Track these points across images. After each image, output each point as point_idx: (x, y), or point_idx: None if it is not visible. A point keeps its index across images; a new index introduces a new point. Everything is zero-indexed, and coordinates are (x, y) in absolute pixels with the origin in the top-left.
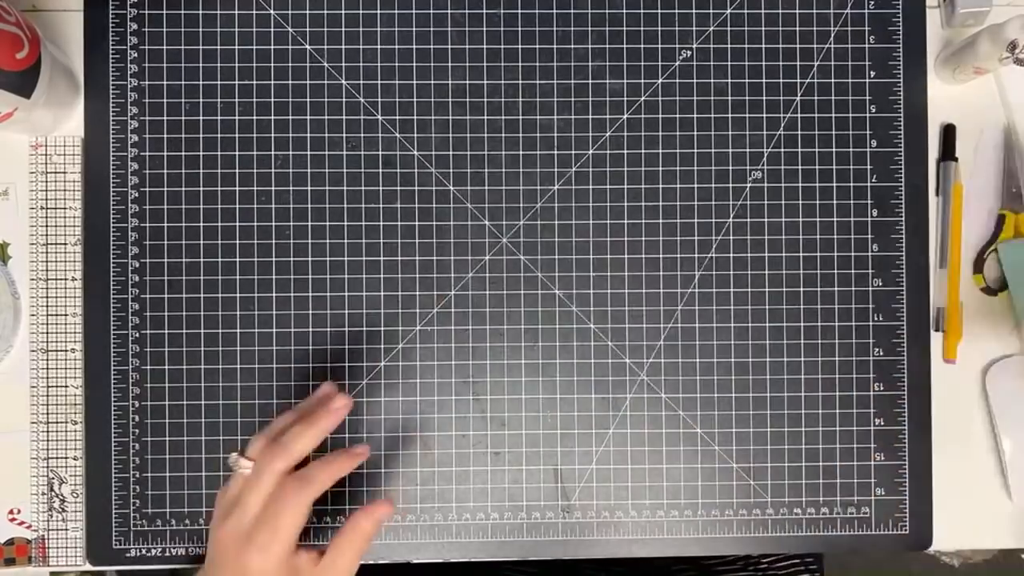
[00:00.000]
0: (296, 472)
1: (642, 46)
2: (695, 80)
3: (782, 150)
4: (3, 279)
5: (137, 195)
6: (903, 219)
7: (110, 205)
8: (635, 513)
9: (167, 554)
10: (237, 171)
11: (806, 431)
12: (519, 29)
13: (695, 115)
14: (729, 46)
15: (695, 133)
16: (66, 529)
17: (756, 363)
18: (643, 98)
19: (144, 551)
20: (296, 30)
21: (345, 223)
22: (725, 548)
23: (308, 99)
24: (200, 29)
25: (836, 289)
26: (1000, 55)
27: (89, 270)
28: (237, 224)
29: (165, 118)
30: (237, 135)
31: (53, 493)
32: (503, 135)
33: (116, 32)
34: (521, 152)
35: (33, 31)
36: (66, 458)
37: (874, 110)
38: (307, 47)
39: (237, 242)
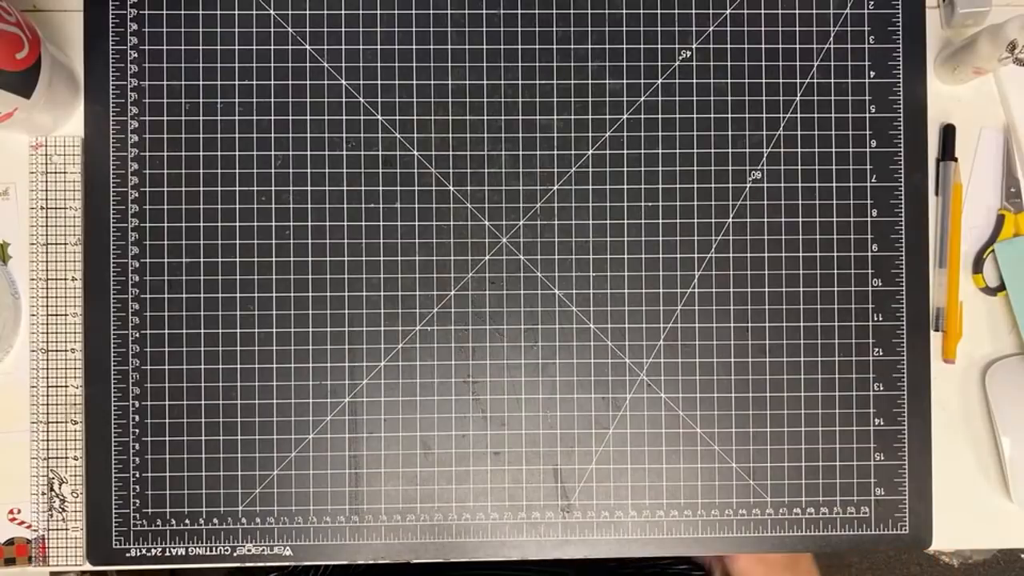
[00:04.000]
0: None
1: (642, 46)
2: (695, 80)
3: (782, 150)
4: (3, 279)
5: (137, 195)
6: (903, 219)
7: (110, 205)
8: (635, 513)
9: (167, 554)
10: (237, 171)
11: (806, 431)
12: (519, 29)
13: (695, 115)
14: (729, 46)
15: (695, 133)
16: (66, 529)
17: (756, 363)
18: (643, 98)
19: (144, 551)
20: (296, 30)
21: (345, 223)
22: (725, 548)
23: (308, 99)
24: (200, 29)
25: (836, 289)
26: (1000, 55)
27: (89, 270)
28: (237, 224)
29: (165, 118)
30: (237, 135)
31: (53, 493)
32: (503, 135)
33: (116, 32)
34: (521, 152)
35: (33, 31)
36: (66, 458)
37: (874, 110)
38: (307, 47)
39: (237, 242)
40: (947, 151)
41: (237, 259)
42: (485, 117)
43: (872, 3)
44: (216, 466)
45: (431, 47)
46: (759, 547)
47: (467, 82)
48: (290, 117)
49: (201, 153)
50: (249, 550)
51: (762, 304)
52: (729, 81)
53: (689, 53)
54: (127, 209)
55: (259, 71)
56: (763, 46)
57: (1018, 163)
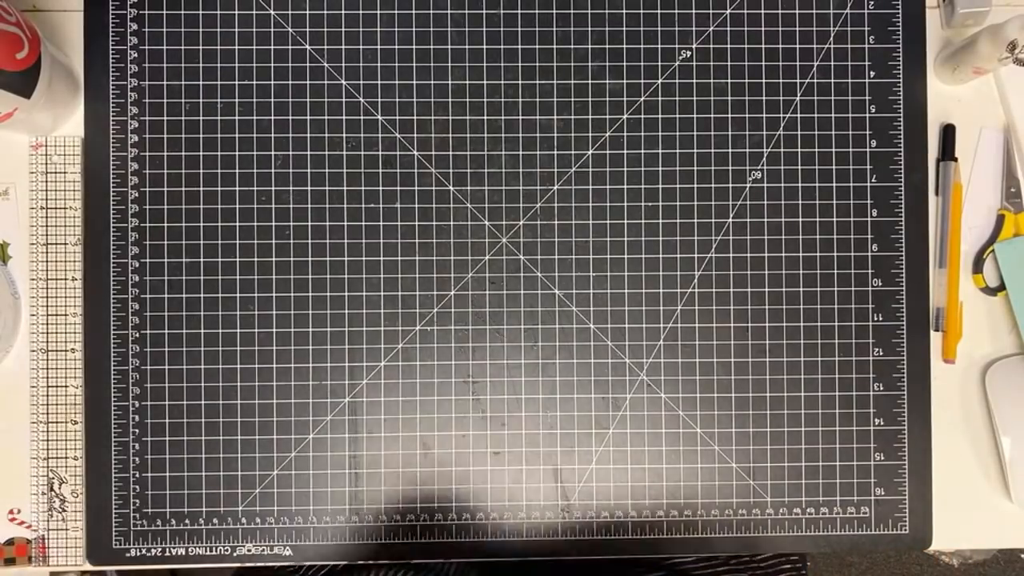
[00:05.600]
0: None
1: (642, 46)
2: (695, 80)
3: (782, 150)
4: (3, 279)
5: (137, 195)
6: (903, 219)
7: (110, 205)
8: (635, 513)
9: (167, 554)
10: (237, 171)
11: (806, 431)
12: (519, 29)
13: (695, 115)
14: (729, 46)
15: (695, 133)
16: (66, 529)
17: (756, 363)
18: (643, 98)
19: (144, 551)
20: (296, 30)
21: (345, 223)
22: (725, 548)
23: (308, 99)
24: (200, 29)
25: (836, 289)
26: (1000, 55)
27: (89, 270)
28: (237, 224)
29: (165, 118)
30: (237, 135)
31: (53, 493)
32: (503, 135)
33: (116, 32)
34: (521, 152)
35: (33, 31)
36: (66, 458)
37: (874, 110)
38: (307, 47)
39: (237, 242)
40: (947, 151)
41: (237, 259)
42: (485, 117)
43: (872, 3)
44: (216, 466)
45: (431, 47)
46: (759, 547)
47: (467, 82)
48: (290, 117)
49: (201, 153)
50: (249, 550)
51: (762, 304)
52: (729, 81)
53: (689, 53)
54: (127, 209)
55: (259, 71)
56: (763, 46)
57: (1018, 163)
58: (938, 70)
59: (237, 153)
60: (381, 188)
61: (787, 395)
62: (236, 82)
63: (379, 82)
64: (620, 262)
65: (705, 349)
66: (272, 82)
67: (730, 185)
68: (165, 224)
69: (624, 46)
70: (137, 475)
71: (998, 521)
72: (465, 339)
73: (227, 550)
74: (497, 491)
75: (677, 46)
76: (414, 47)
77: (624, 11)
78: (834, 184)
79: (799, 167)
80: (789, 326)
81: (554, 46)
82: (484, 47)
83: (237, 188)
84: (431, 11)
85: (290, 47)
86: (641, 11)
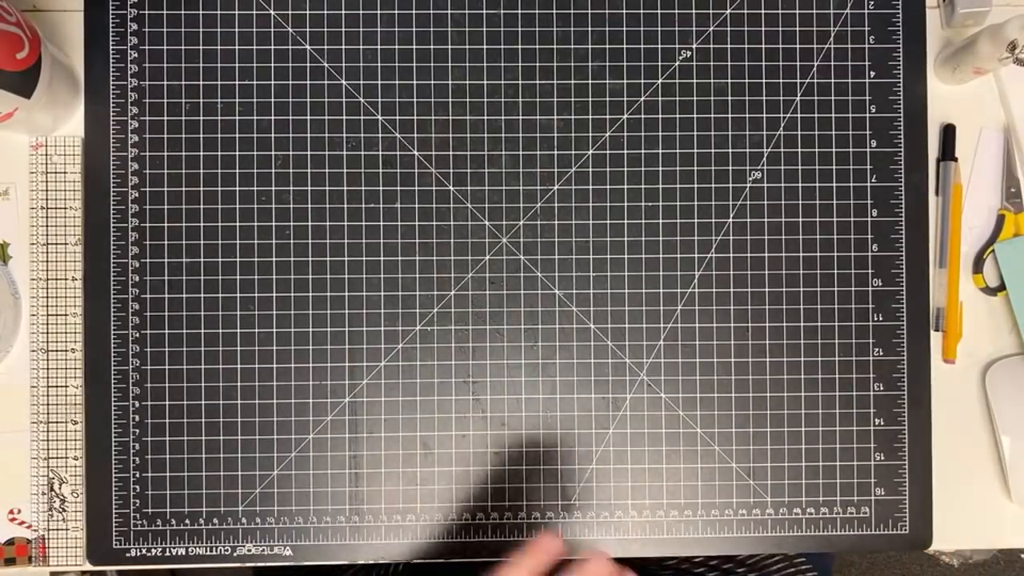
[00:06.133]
0: None
1: (642, 46)
2: (695, 80)
3: (782, 150)
4: (3, 279)
5: (137, 195)
6: (903, 219)
7: (110, 205)
8: (635, 513)
9: (167, 554)
10: (237, 171)
11: (806, 431)
12: (519, 29)
13: (695, 115)
14: (729, 46)
15: (695, 133)
16: (66, 529)
17: (756, 363)
18: (643, 98)
19: (144, 551)
20: (296, 30)
21: (345, 223)
22: (725, 548)
23: (308, 99)
24: (200, 29)
25: (836, 289)
26: (1000, 55)
27: (89, 270)
28: (237, 224)
29: (165, 118)
30: (237, 135)
31: (53, 493)
32: (503, 135)
33: (116, 32)
34: (521, 152)
35: (33, 31)
36: (66, 458)
37: (874, 110)
38: (307, 47)
39: (237, 242)
40: (947, 151)
41: (237, 259)
42: (485, 117)
43: (872, 3)
44: (216, 466)
45: (431, 47)
46: (759, 547)
47: (467, 82)
48: (290, 117)
49: (201, 153)
50: (249, 550)
51: (762, 304)
52: (729, 81)
53: (689, 53)
54: (127, 209)
55: (259, 71)
56: (763, 46)
57: (1018, 163)
58: (938, 70)
59: (237, 153)
60: (381, 188)
61: (787, 395)
62: (236, 82)
63: (379, 82)
64: (620, 262)
65: (705, 349)
66: (272, 82)
67: (730, 185)
68: (165, 224)
69: (624, 46)
70: (137, 475)
71: (998, 521)
72: (465, 339)
73: (227, 550)
74: (497, 491)
75: (677, 46)
76: (414, 47)
77: (624, 11)
78: (834, 184)
79: (799, 167)
80: (789, 326)
81: (554, 46)
82: (484, 47)
83: (237, 188)
84: (431, 11)
85: (290, 47)
86: (641, 11)
